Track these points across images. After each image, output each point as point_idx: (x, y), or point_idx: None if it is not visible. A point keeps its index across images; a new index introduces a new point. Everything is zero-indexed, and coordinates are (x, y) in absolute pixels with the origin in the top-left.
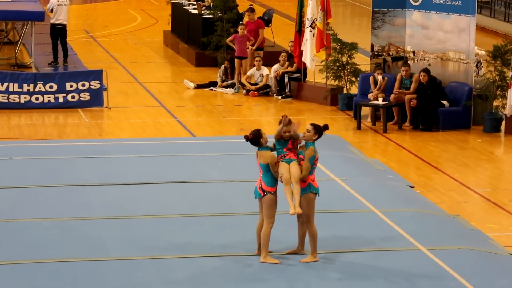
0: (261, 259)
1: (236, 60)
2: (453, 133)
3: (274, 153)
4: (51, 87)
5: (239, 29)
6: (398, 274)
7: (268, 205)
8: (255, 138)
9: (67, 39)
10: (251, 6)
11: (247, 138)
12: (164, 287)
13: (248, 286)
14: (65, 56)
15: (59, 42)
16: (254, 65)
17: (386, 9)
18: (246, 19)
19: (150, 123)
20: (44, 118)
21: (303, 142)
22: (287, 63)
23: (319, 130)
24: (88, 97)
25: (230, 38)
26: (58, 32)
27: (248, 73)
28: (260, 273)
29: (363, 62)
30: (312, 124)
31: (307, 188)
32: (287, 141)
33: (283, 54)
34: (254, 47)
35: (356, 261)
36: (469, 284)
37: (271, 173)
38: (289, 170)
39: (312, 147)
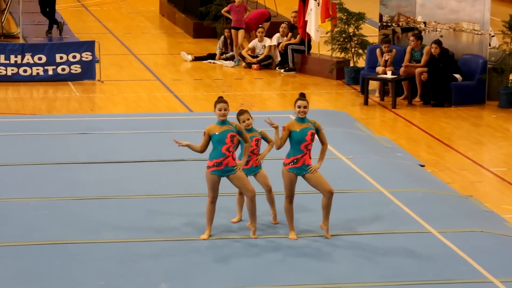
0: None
1: (233, 31)
2: (466, 108)
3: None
4: (39, 58)
5: None
6: (407, 257)
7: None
8: None
9: (56, 8)
10: None
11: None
12: (157, 270)
13: (247, 266)
14: (51, 26)
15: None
16: (257, 37)
17: None
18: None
19: (145, 98)
20: (33, 91)
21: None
22: (290, 34)
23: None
24: (79, 70)
25: (226, 9)
26: (47, 0)
27: (250, 45)
28: (261, 253)
29: (371, 33)
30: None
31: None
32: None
33: (283, 25)
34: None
35: (362, 243)
36: (483, 268)
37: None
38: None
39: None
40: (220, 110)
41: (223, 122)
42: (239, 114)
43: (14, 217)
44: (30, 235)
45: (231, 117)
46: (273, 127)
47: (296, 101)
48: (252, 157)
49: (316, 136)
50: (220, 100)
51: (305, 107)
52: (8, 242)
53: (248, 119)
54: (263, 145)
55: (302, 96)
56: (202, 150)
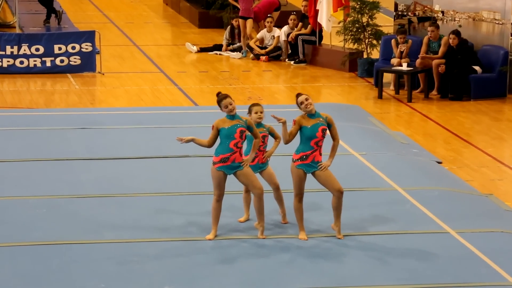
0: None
1: (240, 21)
2: (486, 102)
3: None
4: (37, 49)
5: None
6: (423, 259)
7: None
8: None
9: None
10: None
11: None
12: (161, 272)
13: (255, 268)
14: (49, 15)
15: None
16: (265, 27)
17: None
18: None
19: (147, 91)
20: (30, 84)
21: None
22: (300, 24)
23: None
24: (78, 61)
25: None
26: None
27: (258, 35)
28: (270, 254)
29: (385, 23)
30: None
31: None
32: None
33: (292, 16)
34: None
35: (376, 244)
36: (503, 270)
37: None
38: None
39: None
40: (226, 107)
41: (233, 116)
42: (253, 105)
43: (11, 216)
44: (27, 235)
45: (240, 111)
46: (280, 122)
47: (296, 100)
48: (258, 154)
49: (327, 131)
50: (222, 96)
51: (307, 99)
52: (4, 242)
53: (262, 112)
54: (270, 141)
55: (299, 93)
56: (210, 145)
